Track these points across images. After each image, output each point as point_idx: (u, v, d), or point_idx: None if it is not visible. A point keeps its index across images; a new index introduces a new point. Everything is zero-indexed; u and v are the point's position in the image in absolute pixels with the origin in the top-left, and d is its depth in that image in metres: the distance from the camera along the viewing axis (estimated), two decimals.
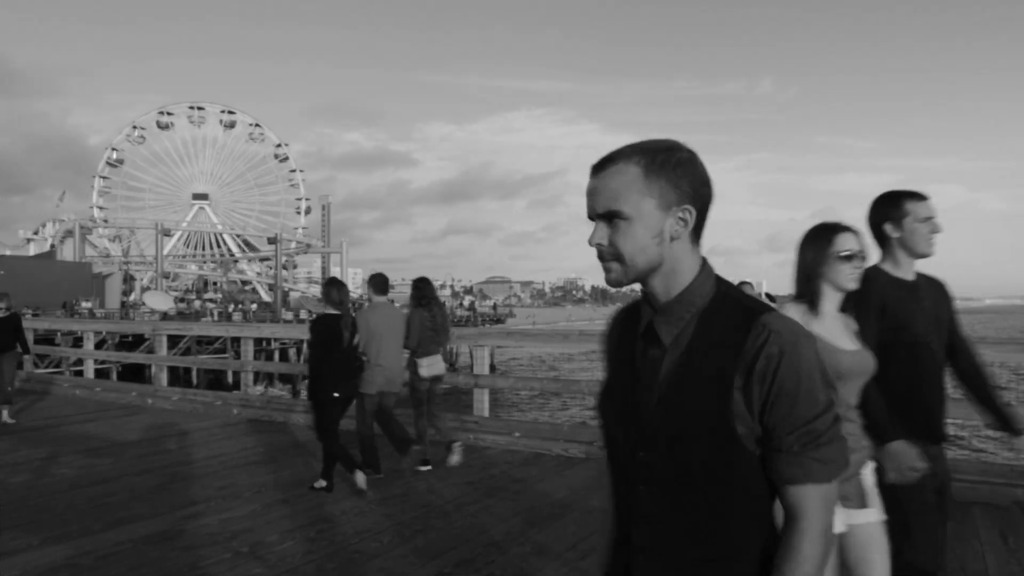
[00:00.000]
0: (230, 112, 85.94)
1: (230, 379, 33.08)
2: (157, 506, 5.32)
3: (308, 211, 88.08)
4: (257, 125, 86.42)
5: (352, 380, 5.91)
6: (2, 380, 9.24)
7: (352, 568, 4.14)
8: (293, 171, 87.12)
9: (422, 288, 6.59)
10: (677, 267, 1.28)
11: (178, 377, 32.78)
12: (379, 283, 6.59)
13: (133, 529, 4.77)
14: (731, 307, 1.26)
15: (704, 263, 1.31)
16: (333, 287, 5.96)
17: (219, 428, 8.52)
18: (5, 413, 9.00)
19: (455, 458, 6.52)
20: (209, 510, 5.24)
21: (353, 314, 6.09)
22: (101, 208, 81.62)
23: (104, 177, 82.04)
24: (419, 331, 6.38)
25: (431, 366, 6.44)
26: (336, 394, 5.69)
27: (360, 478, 5.60)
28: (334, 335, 5.70)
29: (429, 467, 6.36)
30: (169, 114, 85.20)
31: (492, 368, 39.20)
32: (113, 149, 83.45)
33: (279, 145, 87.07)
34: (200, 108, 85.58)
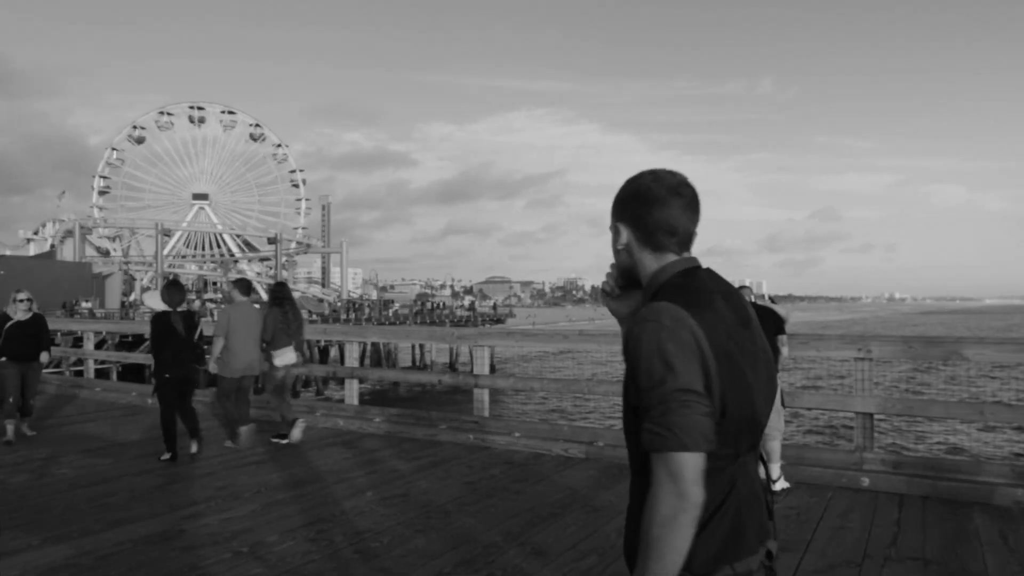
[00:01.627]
0: (230, 112, 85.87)
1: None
2: (157, 506, 5.32)
3: (308, 211, 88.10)
4: (257, 125, 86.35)
5: (184, 366, 7.05)
6: (26, 392, 8.09)
7: (352, 568, 4.14)
8: (293, 171, 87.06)
9: (278, 291, 7.93)
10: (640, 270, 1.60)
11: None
12: (243, 286, 7.89)
13: (133, 529, 4.77)
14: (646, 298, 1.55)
15: (663, 265, 1.56)
16: (168, 290, 7.27)
17: (219, 428, 8.52)
18: (25, 426, 8.04)
19: (297, 433, 7.45)
20: (209, 510, 5.24)
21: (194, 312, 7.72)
22: (101, 208, 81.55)
23: (104, 177, 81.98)
24: (273, 327, 7.50)
25: (282, 357, 7.57)
26: (167, 375, 6.91)
27: (194, 446, 7.02)
28: (168, 329, 6.94)
29: (286, 441, 7.44)
30: (169, 114, 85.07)
31: (492, 368, 39.20)
32: (113, 149, 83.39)
33: (279, 145, 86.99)
34: (200, 108, 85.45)
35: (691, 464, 1.35)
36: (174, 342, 6.91)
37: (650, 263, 1.57)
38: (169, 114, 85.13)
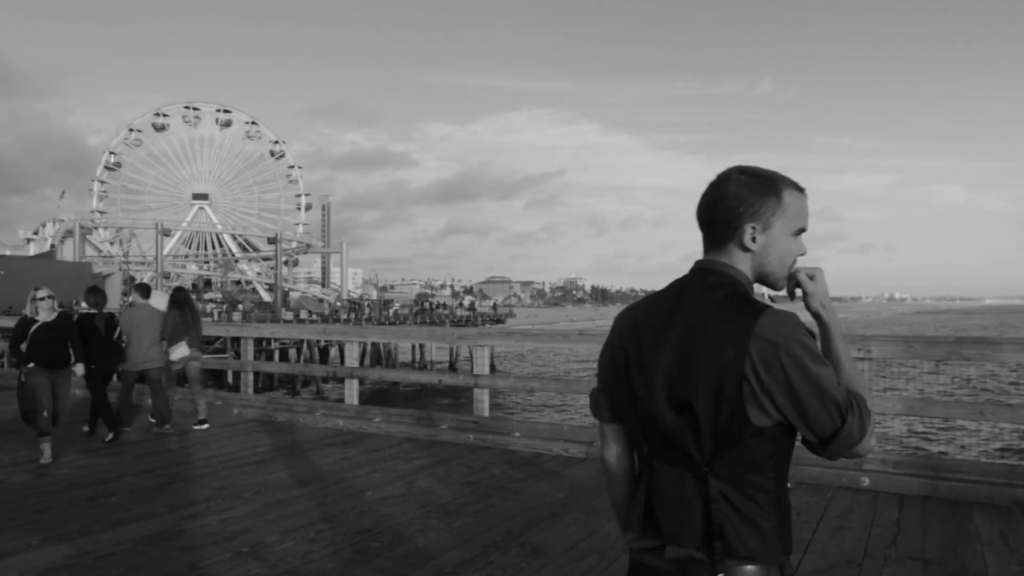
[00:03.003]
0: (226, 111, 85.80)
1: (230, 379, 33.09)
2: (157, 506, 5.32)
3: (308, 207, 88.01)
4: (254, 123, 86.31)
5: (106, 359, 7.97)
6: (56, 405, 7.13)
7: (352, 568, 4.14)
8: (291, 167, 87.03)
9: (177, 295, 8.91)
10: None
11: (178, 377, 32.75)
12: (142, 289, 8.88)
13: (133, 529, 4.77)
14: None
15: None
16: (91, 293, 8.27)
17: (219, 428, 8.52)
18: (47, 449, 6.74)
19: (199, 427, 8.37)
20: (209, 510, 5.24)
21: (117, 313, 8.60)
22: (102, 213, 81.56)
23: (102, 182, 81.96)
24: (172, 326, 8.50)
25: (177, 351, 8.52)
26: (92, 367, 7.70)
27: (109, 434, 7.70)
28: (91, 327, 7.83)
29: (169, 428, 8.29)
30: (165, 115, 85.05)
31: (492, 368, 39.21)
32: (111, 153, 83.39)
33: (275, 142, 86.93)
34: (195, 108, 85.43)
35: (601, 428, 1.75)
36: (95, 340, 7.77)
37: None
38: (165, 115, 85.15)
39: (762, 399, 1.42)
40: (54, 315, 7.28)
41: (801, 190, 1.60)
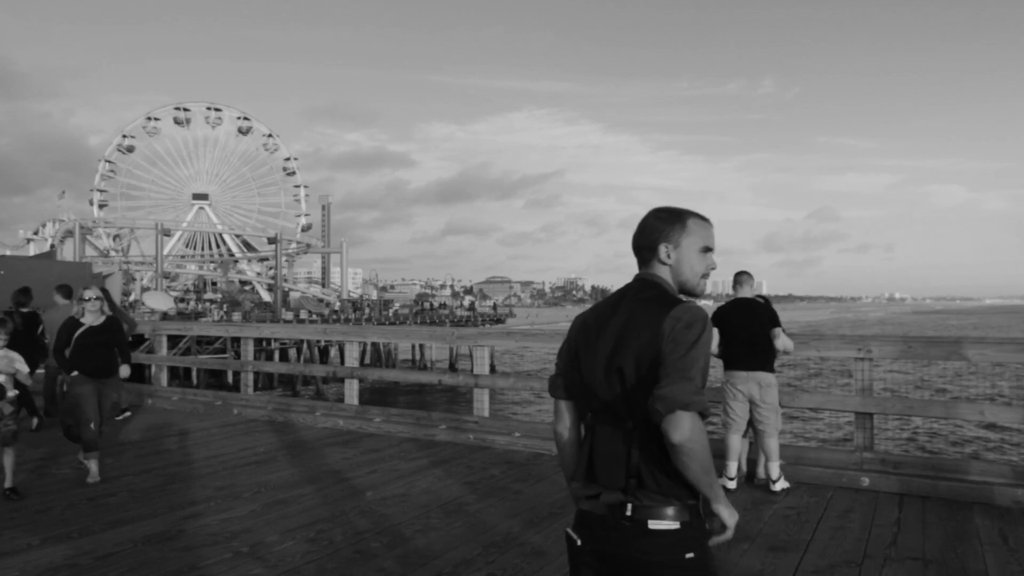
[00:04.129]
0: (216, 109, 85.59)
1: (230, 379, 33.09)
2: (157, 506, 5.32)
3: (308, 228, 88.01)
4: (246, 118, 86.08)
5: (35, 356, 8.13)
6: (99, 415, 6.49)
7: (352, 568, 4.14)
8: (298, 187, 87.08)
9: (103, 295, 9.03)
10: None
11: (178, 377, 32.79)
12: (63, 290, 9.10)
13: (133, 529, 4.77)
14: None
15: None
16: (20, 294, 8.77)
17: (219, 428, 8.52)
18: (94, 466, 6.18)
19: (121, 418, 8.76)
20: (209, 510, 5.24)
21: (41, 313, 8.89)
22: (102, 191, 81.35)
23: (101, 190, 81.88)
24: None
25: None
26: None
27: (35, 422, 8.29)
28: (27, 327, 8.32)
29: (127, 414, 8.96)
30: (187, 110, 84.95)
31: (492, 368, 39.19)
32: (125, 136, 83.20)
33: (269, 136, 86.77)
34: (186, 109, 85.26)
35: (555, 404, 2.22)
36: (17, 337, 7.81)
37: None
38: (186, 110, 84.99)
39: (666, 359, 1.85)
40: (102, 318, 6.66)
41: (705, 219, 2.11)
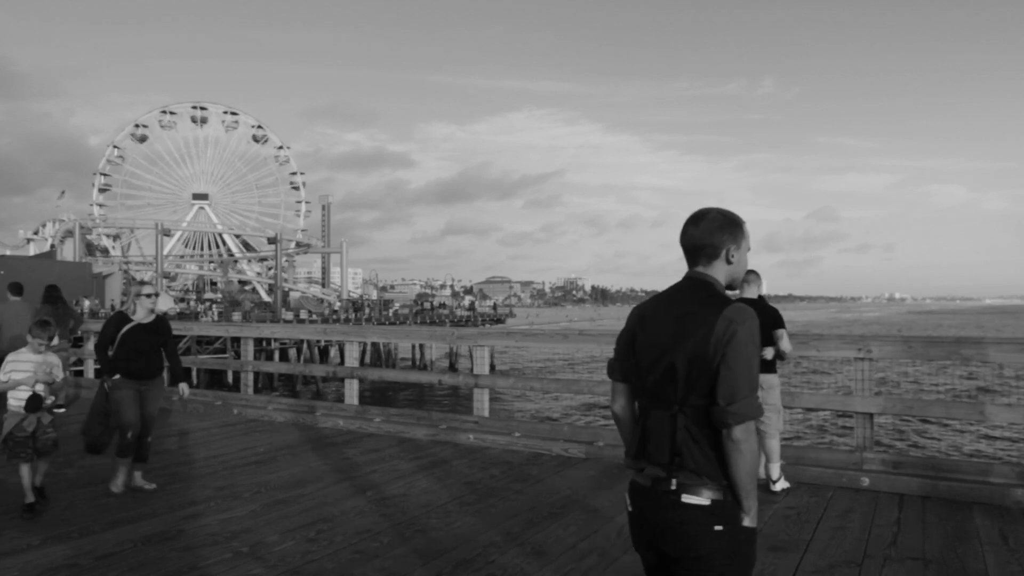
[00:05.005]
0: (233, 113, 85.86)
1: (230, 379, 33.09)
2: (157, 506, 5.32)
3: (308, 213, 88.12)
4: (260, 127, 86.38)
5: None
6: (145, 425, 5.88)
7: (352, 568, 4.14)
8: (294, 174, 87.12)
9: (51, 291, 9.47)
10: None
11: None
12: (14, 288, 9.15)
13: (133, 529, 4.77)
14: None
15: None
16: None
17: (219, 428, 8.52)
18: (139, 475, 5.83)
19: (58, 411, 8.91)
20: (209, 510, 5.24)
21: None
22: (101, 205, 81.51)
23: (105, 175, 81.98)
24: (43, 317, 9.07)
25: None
26: None
27: None
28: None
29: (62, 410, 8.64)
30: (172, 113, 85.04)
31: (492, 368, 39.19)
32: (115, 147, 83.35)
33: (280, 148, 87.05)
34: (203, 108, 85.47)
35: (612, 386, 2.41)
36: None
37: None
38: (172, 113, 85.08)
39: (717, 358, 2.06)
40: (152, 316, 6.06)
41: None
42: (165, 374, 6.32)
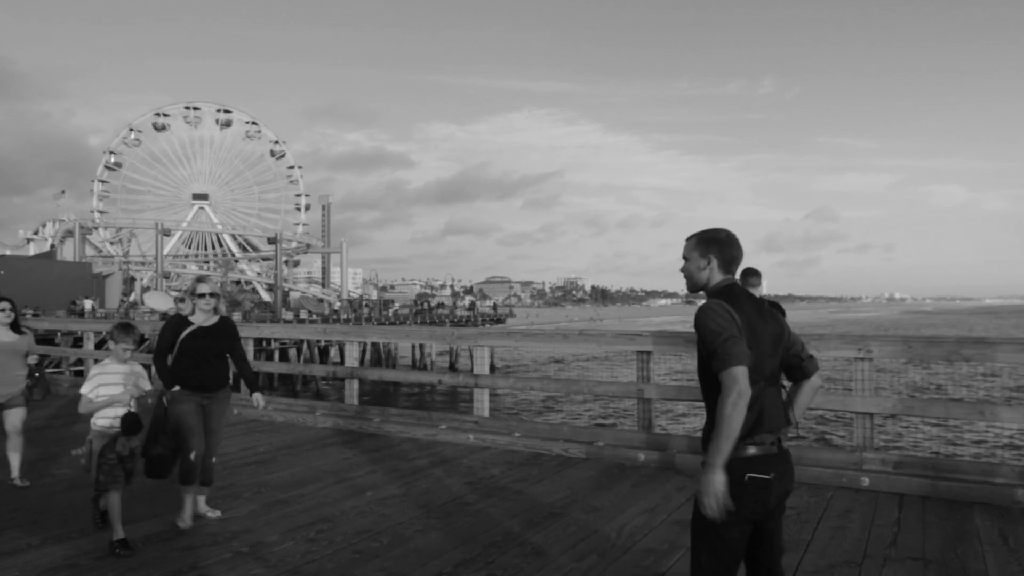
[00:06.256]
0: (226, 111, 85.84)
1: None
2: (157, 506, 5.32)
3: (308, 207, 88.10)
4: (253, 123, 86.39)
5: None
6: (209, 444, 5.24)
7: (352, 568, 4.14)
8: (291, 167, 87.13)
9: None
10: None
11: None
12: None
13: (133, 529, 4.76)
14: None
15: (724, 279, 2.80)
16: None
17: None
18: (203, 500, 5.21)
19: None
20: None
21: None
22: (102, 212, 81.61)
23: (103, 181, 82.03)
24: None
25: None
26: None
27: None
28: None
29: None
30: (165, 115, 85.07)
31: (492, 368, 39.19)
32: (111, 153, 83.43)
33: (276, 142, 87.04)
34: (196, 108, 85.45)
35: (742, 373, 2.49)
36: None
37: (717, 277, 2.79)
38: (165, 115, 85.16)
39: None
40: (215, 318, 5.33)
41: None
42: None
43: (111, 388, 4.66)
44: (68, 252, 70.09)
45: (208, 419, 5.21)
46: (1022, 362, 6.11)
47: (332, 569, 4.13)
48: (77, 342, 24.83)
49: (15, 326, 6.39)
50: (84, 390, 4.68)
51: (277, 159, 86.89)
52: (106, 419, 4.66)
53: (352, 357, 9.75)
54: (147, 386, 4.82)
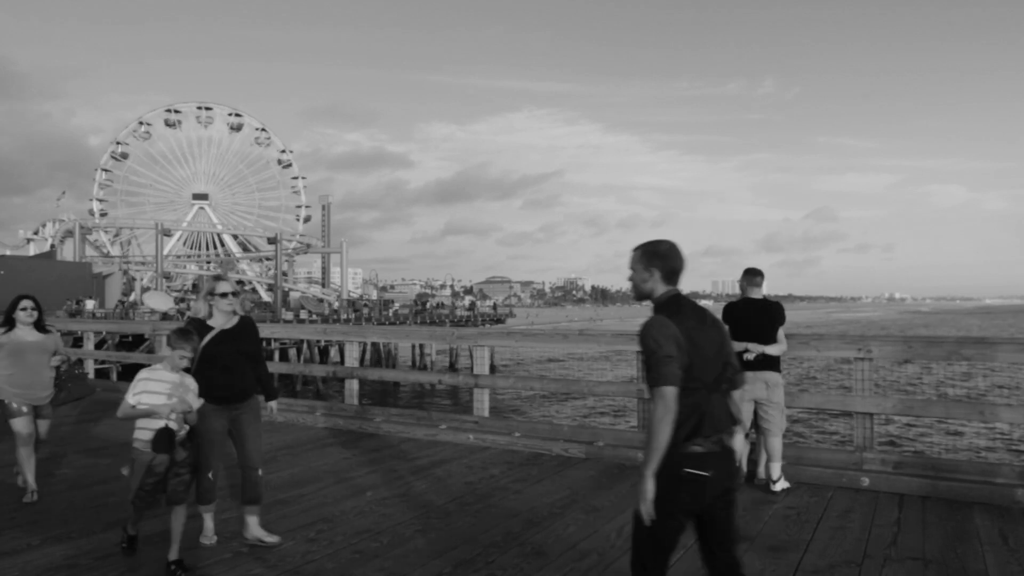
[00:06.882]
0: (237, 115, 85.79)
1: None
2: (157, 506, 5.30)
3: (308, 219, 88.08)
4: (263, 129, 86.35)
5: None
6: (250, 456, 4.79)
7: (352, 568, 4.14)
8: (295, 178, 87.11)
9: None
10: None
11: None
12: None
13: None
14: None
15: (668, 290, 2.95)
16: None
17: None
18: (254, 524, 4.66)
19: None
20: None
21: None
22: (101, 201, 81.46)
23: (107, 170, 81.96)
24: None
25: None
26: None
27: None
28: None
29: None
30: (177, 112, 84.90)
31: (492, 368, 39.16)
32: (118, 143, 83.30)
33: (283, 151, 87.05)
34: (208, 108, 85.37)
35: (671, 392, 2.68)
36: None
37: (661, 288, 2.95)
38: (177, 111, 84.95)
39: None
40: (235, 320, 4.76)
41: None
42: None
43: (155, 397, 4.16)
44: (68, 252, 70.04)
45: (243, 428, 4.74)
46: (1022, 362, 6.10)
47: (332, 569, 4.13)
48: (77, 342, 24.82)
49: (39, 325, 6.00)
50: (128, 395, 4.21)
51: (283, 168, 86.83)
52: (147, 431, 4.18)
53: (352, 357, 9.74)
54: (196, 403, 4.30)
